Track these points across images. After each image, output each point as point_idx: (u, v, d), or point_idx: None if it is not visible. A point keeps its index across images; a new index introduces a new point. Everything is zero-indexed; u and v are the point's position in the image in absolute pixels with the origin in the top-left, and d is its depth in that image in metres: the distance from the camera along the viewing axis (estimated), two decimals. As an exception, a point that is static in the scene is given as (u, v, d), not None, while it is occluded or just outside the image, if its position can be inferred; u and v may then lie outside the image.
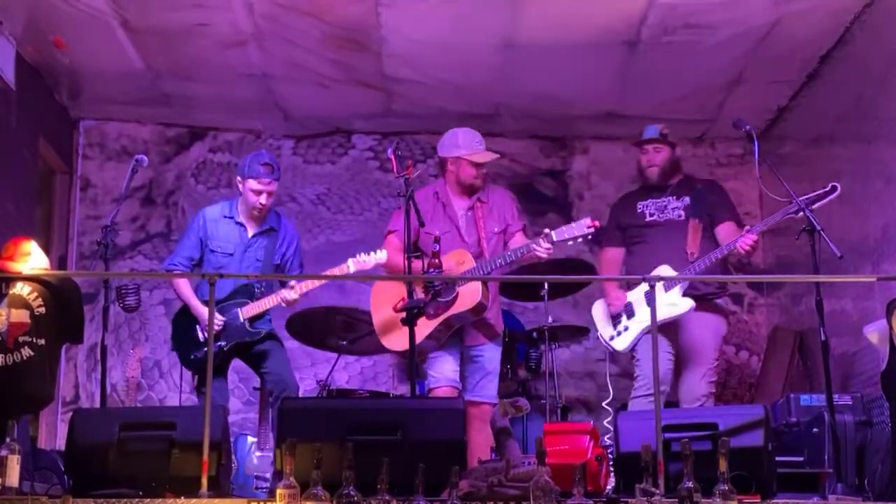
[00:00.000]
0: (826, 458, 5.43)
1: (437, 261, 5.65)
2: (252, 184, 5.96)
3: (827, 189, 5.52)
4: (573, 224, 5.65)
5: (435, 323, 5.62)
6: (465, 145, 5.90)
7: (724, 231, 6.07)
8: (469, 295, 5.64)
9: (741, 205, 8.24)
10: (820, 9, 6.33)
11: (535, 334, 6.97)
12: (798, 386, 7.06)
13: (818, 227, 5.35)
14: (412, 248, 5.67)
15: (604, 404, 6.54)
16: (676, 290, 5.84)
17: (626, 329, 5.98)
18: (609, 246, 6.31)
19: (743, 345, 8.17)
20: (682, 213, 6.10)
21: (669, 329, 5.89)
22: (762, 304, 8.25)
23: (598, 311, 6.17)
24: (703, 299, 5.95)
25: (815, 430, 5.68)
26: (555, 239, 5.58)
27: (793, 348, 7.39)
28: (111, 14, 6.49)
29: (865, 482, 5.38)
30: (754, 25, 6.53)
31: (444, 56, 7.01)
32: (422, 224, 5.63)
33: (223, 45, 6.90)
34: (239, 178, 6.06)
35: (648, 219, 6.15)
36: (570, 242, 5.64)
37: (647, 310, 5.82)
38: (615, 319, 6.04)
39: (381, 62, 7.11)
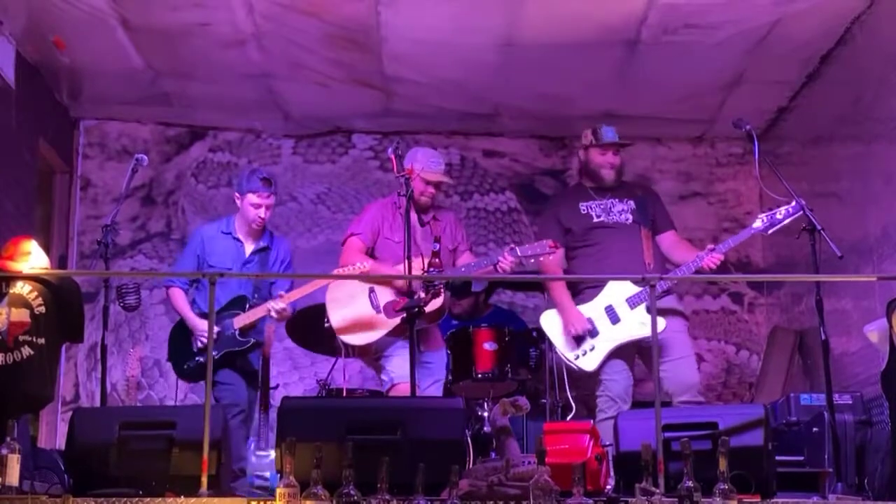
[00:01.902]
0: (826, 457, 5.44)
1: (437, 260, 5.73)
2: (252, 198, 6.04)
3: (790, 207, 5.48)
4: (535, 243, 5.80)
5: (395, 321, 5.76)
6: (421, 161, 6.01)
7: (667, 241, 6.05)
8: (434, 301, 5.79)
9: (741, 205, 8.31)
10: (820, 9, 6.33)
11: (534, 333, 6.96)
12: (798, 385, 7.06)
13: (818, 227, 5.36)
14: (370, 253, 5.93)
15: (568, 419, 6.36)
16: (643, 308, 5.71)
17: (592, 349, 5.84)
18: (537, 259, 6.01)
19: (743, 344, 8.17)
20: (630, 216, 6.01)
21: (632, 347, 5.85)
22: (762, 304, 8.25)
23: (554, 327, 5.96)
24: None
25: (815, 429, 5.68)
26: (518, 254, 5.73)
27: (793, 348, 7.39)
28: (111, 14, 6.49)
29: (865, 481, 5.38)
30: (754, 25, 6.53)
31: (444, 56, 7.01)
32: (421, 224, 5.70)
33: (223, 45, 6.90)
34: (237, 193, 6.15)
35: (596, 220, 6.01)
36: (532, 260, 5.80)
37: (612, 326, 5.81)
38: (577, 338, 5.87)
39: (381, 62, 7.11)
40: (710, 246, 5.81)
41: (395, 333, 5.83)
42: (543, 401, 6.68)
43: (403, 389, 5.72)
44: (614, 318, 5.84)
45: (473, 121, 8.18)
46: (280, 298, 5.90)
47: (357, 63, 7.15)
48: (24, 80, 7.03)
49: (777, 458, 4.86)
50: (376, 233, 5.98)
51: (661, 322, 5.66)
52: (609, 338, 5.82)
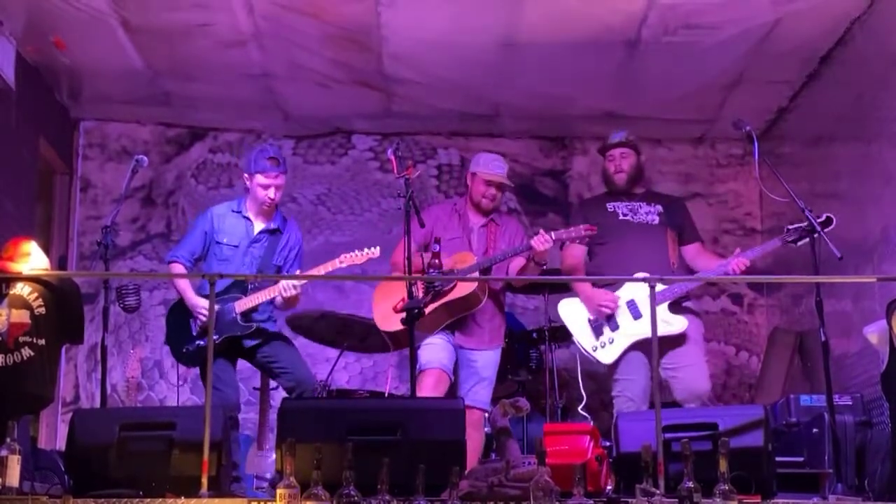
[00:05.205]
0: (826, 458, 5.44)
1: (437, 261, 5.73)
2: (260, 179, 5.90)
3: (822, 219, 5.43)
4: (571, 228, 5.86)
5: (429, 308, 5.71)
6: (483, 164, 6.18)
7: (692, 252, 6.04)
8: (466, 285, 5.80)
9: (741, 206, 8.32)
10: (820, 9, 6.33)
11: (535, 334, 6.97)
12: (798, 386, 7.05)
13: (818, 228, 5.36)
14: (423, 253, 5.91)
15: (579, 409, 6.29)
16: (665, 307, 5.65)
17: (611, 342, 5.80)
18: (572, 243, 6.02)
19: (743, 345, 8.17)
20: (657, 218, 6.01)
21: (651, 345, 5.83)
22: (762, 305, 8.25)
23: (575, 314, 5.92)
24: (675, 304, 5.78)
25: (815, 430, 5.68)
26: (553, 237, 5.74)
27: (793, 349, 7.38)
28: (111, 14, 6.49)
29: (865, 482, 5.38)
30: (754, 25, 6.53)
31: (444, 56, 7.01)
32: (422, 224, 5.69)
33: (223, 45, 6.90)
34: (246, 174, 6.01)
35: (622, 217, 6.00)
36: (567, 241, 5.89)
37: (633, 322, 5.77)
38: (596, 329, 5.84)
39: (381, 62, 7.11)
40: (738, 250, 5.79)
41: (429, 328, 5.81)
42: (543, 401, 6.69)
43: (432, 375, 5.78)
44: (636, 313, 5.77)
45: (473, 121, 8.19)
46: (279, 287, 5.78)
47: (357, 63, 7.15)
48: (24, 80, 7.03)
49: (777, 458, 4.86)
50: (429, 233, 5.99)
51: (683, 322, 5.73)
52: (629, 333, 5.76)
